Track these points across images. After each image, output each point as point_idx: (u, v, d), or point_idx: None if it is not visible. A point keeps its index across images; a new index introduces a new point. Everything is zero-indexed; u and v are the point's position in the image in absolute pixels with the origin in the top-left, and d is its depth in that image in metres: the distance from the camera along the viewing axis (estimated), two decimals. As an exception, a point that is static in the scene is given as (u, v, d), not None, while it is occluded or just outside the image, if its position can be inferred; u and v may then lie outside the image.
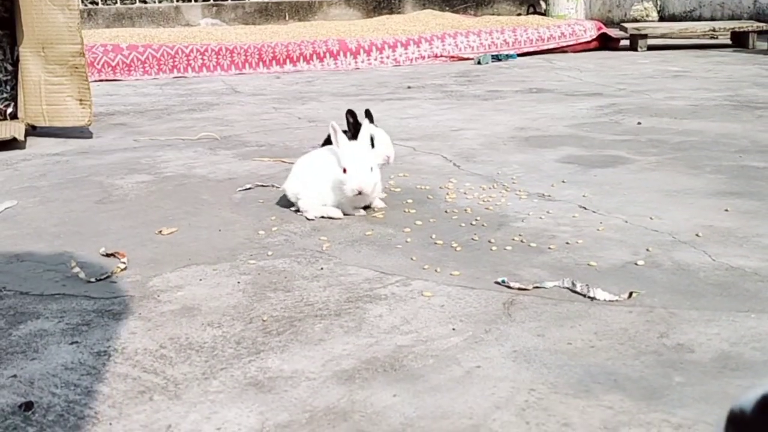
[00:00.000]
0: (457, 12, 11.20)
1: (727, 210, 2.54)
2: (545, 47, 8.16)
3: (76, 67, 4.22)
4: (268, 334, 1.72)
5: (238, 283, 2.04)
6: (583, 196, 2.77)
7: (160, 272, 2.14)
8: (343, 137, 2.62)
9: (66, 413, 1.39)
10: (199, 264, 2.19)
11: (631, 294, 1.87)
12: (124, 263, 2.19)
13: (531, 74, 6.63)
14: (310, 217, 2.63)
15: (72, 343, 1.69)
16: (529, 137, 3.87)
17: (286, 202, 2.76)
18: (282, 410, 1.38)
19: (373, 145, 2.73)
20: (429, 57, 7.92)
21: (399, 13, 11.47)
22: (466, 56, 7.92)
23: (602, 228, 2.40)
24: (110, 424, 1.36)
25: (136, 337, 1.72)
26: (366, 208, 2.69)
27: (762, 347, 1.58)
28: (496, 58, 7.66)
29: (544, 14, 11.52)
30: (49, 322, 1.81)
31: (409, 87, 6.06)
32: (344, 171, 2.57)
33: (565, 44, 8.22)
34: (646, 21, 10.89)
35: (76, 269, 2.17)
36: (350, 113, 2.80)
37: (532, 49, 8.10)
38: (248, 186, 3.06)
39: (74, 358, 1.62)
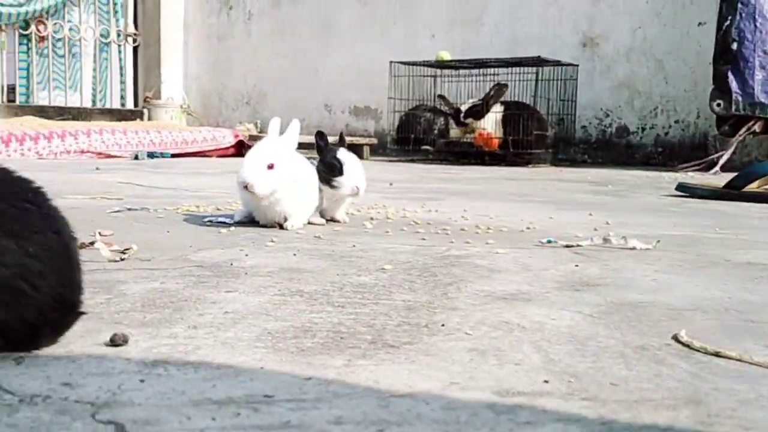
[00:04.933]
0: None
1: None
2: (189, 150, 8.36)
3: None
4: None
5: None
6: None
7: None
8: (273, 135, 2.64)
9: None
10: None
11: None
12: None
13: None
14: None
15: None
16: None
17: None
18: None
19: (340, 172, 2.72)
20: (74, 152, 7.52)
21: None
22: (114, 153, 7.70)
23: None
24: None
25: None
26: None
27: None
28: (152, 155, 7.64)
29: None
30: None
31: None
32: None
33: (207, 148, 8.53)
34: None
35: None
36: (320, 135, 2.78)
37: (178, 151, 8.23)
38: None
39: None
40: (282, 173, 2.54)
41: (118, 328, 1.34)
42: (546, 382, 1.12)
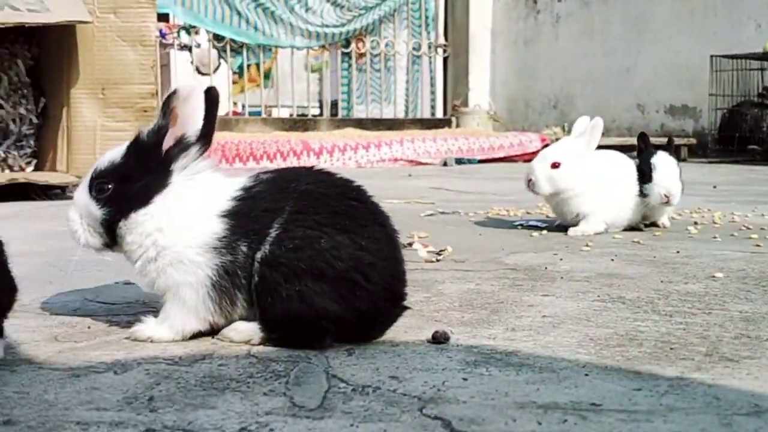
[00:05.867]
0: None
1: None
2: (496, 155, 8.48)
3: (146, 110, 3.88)
4: None
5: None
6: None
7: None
8: (574, 134, 2.58)
9: None
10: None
11: None
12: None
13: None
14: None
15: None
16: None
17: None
18: None
19: (649, 179, 2.59)
20: (388, 160, 7.99)
21: (315, 130, 11.55)
22: (424, 161, 8.05)
23: None
24: None
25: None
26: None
27: None
28: (459, 161, 7.87)
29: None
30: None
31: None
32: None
33: (513, 153, 8.59)
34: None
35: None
36: (641, 137, 2.70)
37: (484, 157, 8.39)
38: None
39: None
40: (568, 172, 2.47)
41: (438, 325, 1.37)
42: None
